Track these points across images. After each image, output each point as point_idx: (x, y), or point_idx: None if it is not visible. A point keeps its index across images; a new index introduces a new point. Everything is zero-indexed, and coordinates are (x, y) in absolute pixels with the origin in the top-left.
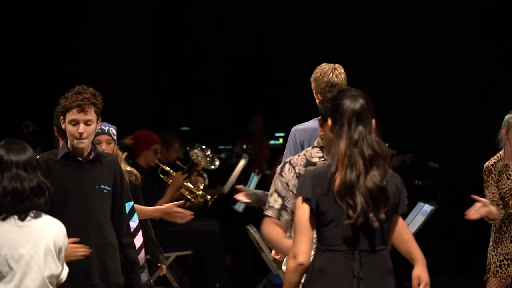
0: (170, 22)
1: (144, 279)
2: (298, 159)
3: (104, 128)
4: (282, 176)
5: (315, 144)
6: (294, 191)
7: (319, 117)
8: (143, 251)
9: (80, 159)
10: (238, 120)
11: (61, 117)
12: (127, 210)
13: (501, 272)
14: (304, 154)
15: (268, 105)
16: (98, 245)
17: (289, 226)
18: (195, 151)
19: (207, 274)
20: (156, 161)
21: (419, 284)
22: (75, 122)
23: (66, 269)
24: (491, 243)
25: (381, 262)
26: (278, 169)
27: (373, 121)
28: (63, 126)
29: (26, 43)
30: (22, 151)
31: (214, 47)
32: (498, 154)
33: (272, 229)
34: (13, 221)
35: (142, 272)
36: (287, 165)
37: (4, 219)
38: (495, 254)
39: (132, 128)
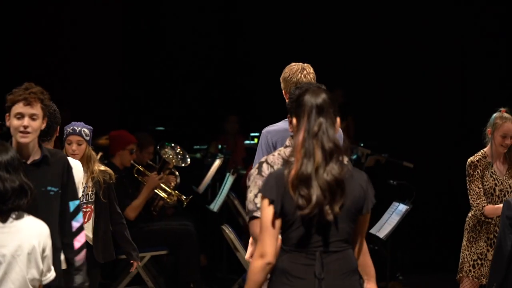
0: (143, 22)
1: (77, 282)
2: (275, 158)
3: (76, 128)
4: (262, 175)
5: (287, 143)
6: None
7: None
8: (83, 253)
9: (26, 161)
10: (213, 120)
11: (7, 114)
12: (72, 209)
13: (474, 272)
14: (279, 153)
15: (243, 105)
16: None
17: None
18: (166, 149)
19: (182, 274)
20: (132, 161)
21: None
22: (21, 115)
23: (52, 271)
24: (464, 242)
25: (343, 262)
26: (255, 169)
27: (337, 119)
28: (7, 123)
29: None
30: (4, 152)
31: (189, 47)
32: (482, 151)
33: None
34: None
35: (77, 274)
36: (265, 165)
37: None
38: (468, 254)
39: (107, 128)
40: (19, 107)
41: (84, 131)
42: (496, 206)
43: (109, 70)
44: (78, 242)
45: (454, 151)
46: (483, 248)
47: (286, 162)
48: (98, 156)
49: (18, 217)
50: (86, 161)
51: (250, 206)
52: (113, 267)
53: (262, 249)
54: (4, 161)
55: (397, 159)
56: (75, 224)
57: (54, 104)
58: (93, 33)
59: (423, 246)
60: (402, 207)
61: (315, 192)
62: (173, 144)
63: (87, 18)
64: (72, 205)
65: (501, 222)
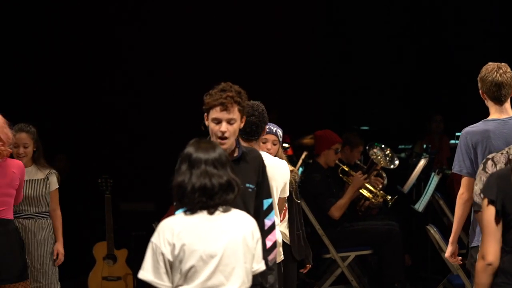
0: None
1: (270, 282)
2: (501, 157)
3: (272, 128)
4: (486, 172)
5: None
6: None
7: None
8: (274, 252)
9: None
10: (417, 120)
11: (205, 114)
12: (265, 206)
13: None
14: (507, 151)
15: (449, 104)
16: None
17: None
18: (374, 150)
19: (386, 274)
20: (336, 161)
21: None
22: (218, 121)
23: (262, 264)
24: None
25: None
26: (481, 164)
27: None
28: (206, 123)
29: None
30: (211, 149)
31: (392, 48)
32: None
33: None
34: (204, 216)
35: (270, 274)
36: (490, 162)
37: (193, 213)
38: None
39: (309, 128)
40: (216, 112)
41: (278, 132)
42: None
43: (307, 75)
44: (269, 241)
45: None
46: None
47: (509, 161)
48: (303, 156)
49: (225, 211)
50: None
51: (475, 199)
52: (317, 267)
53: (483, 250)
54: (211, 158)
55: None
56: (268, 222)
57: (262, 104)
58: (291, 35)
59: None
60: None
61: None
62: (383, 146)
63: (287, 17)
64: (266, 203)
65: None
